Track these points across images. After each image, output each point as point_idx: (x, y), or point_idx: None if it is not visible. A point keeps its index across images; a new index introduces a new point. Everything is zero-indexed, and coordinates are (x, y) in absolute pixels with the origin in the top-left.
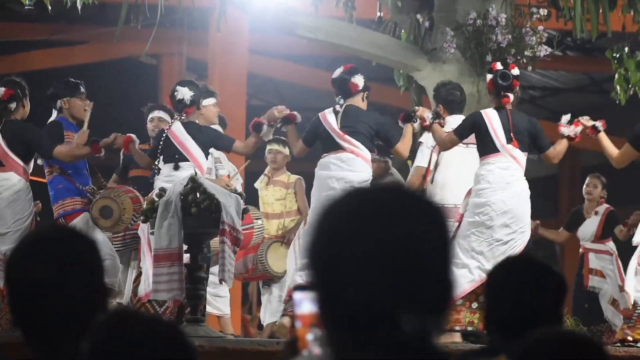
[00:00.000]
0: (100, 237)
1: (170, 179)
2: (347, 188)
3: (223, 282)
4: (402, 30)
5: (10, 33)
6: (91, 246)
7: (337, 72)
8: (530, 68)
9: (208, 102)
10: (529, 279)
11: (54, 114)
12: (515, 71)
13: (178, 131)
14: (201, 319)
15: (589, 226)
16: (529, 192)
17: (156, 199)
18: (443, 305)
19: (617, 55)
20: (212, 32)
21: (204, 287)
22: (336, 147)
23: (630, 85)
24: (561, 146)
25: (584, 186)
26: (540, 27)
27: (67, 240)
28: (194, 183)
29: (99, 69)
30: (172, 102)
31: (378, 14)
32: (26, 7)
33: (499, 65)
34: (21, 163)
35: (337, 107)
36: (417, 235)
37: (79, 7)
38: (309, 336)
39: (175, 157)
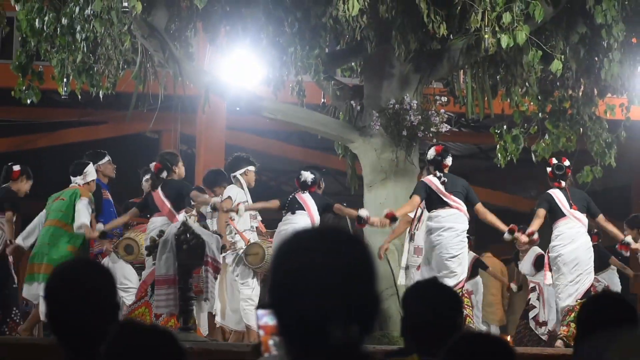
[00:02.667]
0: (127, 267)
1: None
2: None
3: (206, 301)
4: (340, 112)
5: (50, 115)
6: (107, 274)
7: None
8: (435, 140)
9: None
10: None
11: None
12: (567, 163)
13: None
14: (191, 328)
15: None
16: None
17: (157, 238)
18: (367, 318)
19: (498, 131)
20: (199, 114)
21: (192, 304)
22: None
23: (507, 153)
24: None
25: None
26: (442, 110)
27: (89, 271)
28: (185, 227)
29: (115, 142)
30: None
31: (322, 100)
32: (62, 97)
33: (554, 160)
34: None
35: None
36: (340, 265)
37: (101, 96)
38: (270, 342)
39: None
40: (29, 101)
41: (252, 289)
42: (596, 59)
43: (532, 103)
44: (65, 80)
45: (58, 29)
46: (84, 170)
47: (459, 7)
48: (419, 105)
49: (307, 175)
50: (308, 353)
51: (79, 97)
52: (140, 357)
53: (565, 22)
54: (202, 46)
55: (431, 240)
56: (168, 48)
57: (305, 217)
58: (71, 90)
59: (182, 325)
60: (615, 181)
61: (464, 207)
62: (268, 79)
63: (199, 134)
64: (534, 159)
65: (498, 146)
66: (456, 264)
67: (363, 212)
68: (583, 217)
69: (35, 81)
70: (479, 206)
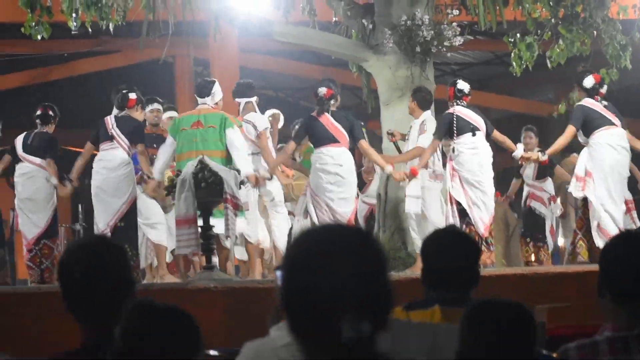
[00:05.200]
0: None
1: None
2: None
3: (228, 238)
4: (353, 31)
5: (63, 47)
6: (121, 251)
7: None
8: (449, 54)
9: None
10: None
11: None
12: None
13: None
14: (214, 266)
15: None
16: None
17: (175, 178)
18: (379, 314)
19: (512, 40)
20: (212, 37)
21: (214, 242)
22: None
23: (522, 61)
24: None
25: None
26: (455, 23)
27: (103, 248)
28: (202, 164)
29: (129, 70)
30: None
31: (334, 18)
32: (72, 32)
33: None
34: None
35: None
36: (351, 261)
37: (111, 28)
38: None
39: None
40: (39, 37)
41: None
42: None
43: (544, 9)
44: (74, 14)
45: None
46: (212, 90)
47: None
48: (430, 20)
49: (322, 90)
50: (320, 349)
51: (89, 30)
52: (156, 340)
53: None
54: None
55: None
56: None
57: (339, 148)
58: (81, 23)
59: (205, 263)
60: (631, 79)
61: None
62: (277, 1)
63: (212, 59)
64: (549, 65)
65: (513, 54)
66: None
67: (388, 169)
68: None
69: (45, 16)
70: None
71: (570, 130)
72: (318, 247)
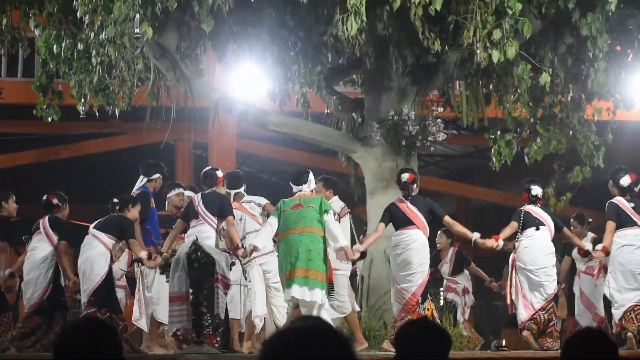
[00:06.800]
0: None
1: None
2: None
3: (217, 314)
4: (343, 123)
5: (71, 128)
6: (112, 333)
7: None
8: (432, 149)
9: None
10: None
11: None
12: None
13: None
14: (203, 341)
15: None
16: None
17: (169, 257)
18: None
19: (493, 137)
20: (211, 124)
21: (205, 319)
22: None
23: (502, 157)
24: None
25: None
26: (439, 120)
27: (96, 330)
28: (196, 246)
29: (133, 152)
30: None
31: (326, 110)
32: (81, 117)
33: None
34: None
35: None
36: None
37: (117, 113)
38: None
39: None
40: (50, 119)
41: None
42: (583, 67)
43: (523, 109)
44: (83, 100)
45: (75, 53)
46: (309, 179)
47: (452, 25)
48: (416, 116)
49: (405, 176)
50: None
51: (97, 114)
52: None
53: (553, 34)
54: (212, 63)
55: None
56: (179, 68)
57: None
58: (89, 107)
59: (195, 338)
60: (604, 176)
61: None
62: (274, 93)
63: (210, 144)
64: (526, 160)
65: (493, 150)
66: None
67: (476, 235)
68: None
69: (56, 99)
70: None
71: (611, 225)
72: (290, 353)
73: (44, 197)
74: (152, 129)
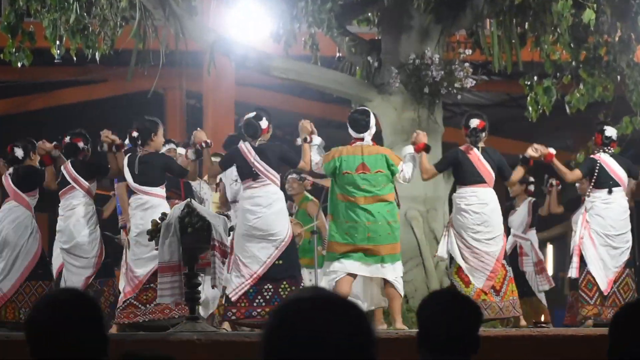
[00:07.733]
0: None
1: None
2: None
3: (215, 287)
4: (357, 68)
5: (47, 75)
6: (94, 306)
7: None
8: (459, 97)
9: None
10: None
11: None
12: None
13: None
14: (198, 317)
15: None
16: None
17: (159, 221)
18: None
19: (529, 83)
20: (206, 69)
21: (199, 292)
22: None
23: (539, 106)
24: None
25: None
26: (467, 63)
27: (75, 302)
28: (189, 208)
29: (116, 102)
30: None
31: (337, 54)
32: (56, 61)
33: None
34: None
35: None
36: (337, 338)
37: (98, 58)
38: None
39: None
40: (19, 64)
41: None
42: (632, 2)
43: (564, 51)
44: (58, 42)
45: None
46: (370, 122)
47: None
48: (441, 60)
49: (474, 122)
50: None
51: (74, 58)
52: None
53: None
54: None
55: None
56: (168, 4)
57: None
58: (65, 51)
59: (189, 314)
60: None
61: None
62: (278, 35)
63: (205, 93)
64: (567, 110)
65: (529, 98)
66: None
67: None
68: None
69: (26, 42)
70: None
71: None
72: (302, 320)
73: (67, 139)
74: (138, 75)
